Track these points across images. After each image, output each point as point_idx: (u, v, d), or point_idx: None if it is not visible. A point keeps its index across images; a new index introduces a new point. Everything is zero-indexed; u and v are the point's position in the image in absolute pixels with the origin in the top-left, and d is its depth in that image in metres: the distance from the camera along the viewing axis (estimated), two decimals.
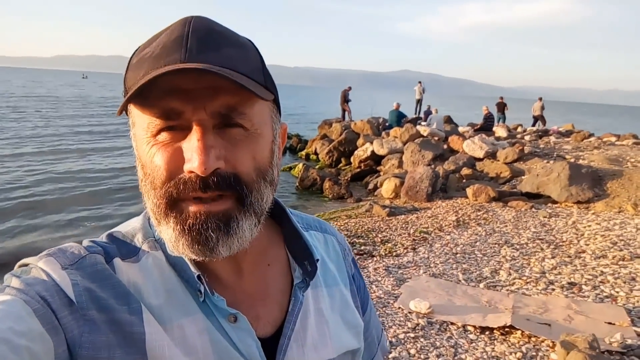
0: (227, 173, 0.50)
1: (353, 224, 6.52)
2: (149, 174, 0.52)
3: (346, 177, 11.46)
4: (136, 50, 0.54)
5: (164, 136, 0.51)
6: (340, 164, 13.37)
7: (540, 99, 17.23)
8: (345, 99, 16.85)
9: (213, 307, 0.57)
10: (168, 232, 0.52)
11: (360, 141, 13.10)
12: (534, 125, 16.90)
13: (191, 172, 0.49)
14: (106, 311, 0.51)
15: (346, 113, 16.90)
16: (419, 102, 19.16)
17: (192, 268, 0.56)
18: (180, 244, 0.51)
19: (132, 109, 0.53)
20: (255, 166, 0.53)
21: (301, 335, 0.62)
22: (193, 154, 0.48)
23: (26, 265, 0.53)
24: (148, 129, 0.51)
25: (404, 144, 11.60)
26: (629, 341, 3.10)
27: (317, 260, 0.66)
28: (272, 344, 0.60)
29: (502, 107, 17.06)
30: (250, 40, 0.57)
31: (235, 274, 0.61)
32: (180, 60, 0.48)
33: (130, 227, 0.62)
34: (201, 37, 0.50)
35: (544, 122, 16.79)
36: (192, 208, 0.51)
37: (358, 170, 12.06)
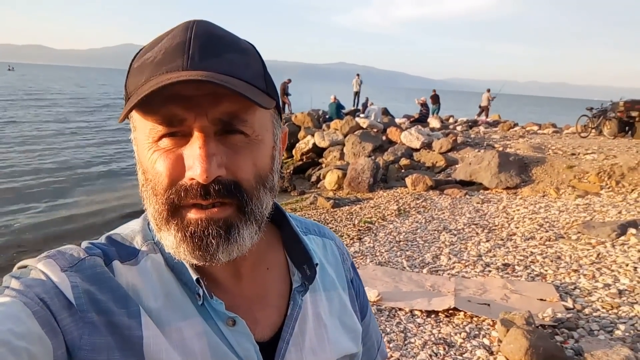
0: (227, 180, 0.51)
1: None
2: (151, 180, 0.52)
3: (288, 170, 11.46)
4: (137, 53, 0.54)
5: (165, 142, 0.51)
6: (282, 157, 13.36)
7: (488, 90, 18.12)
8: (285, 92, 16.79)
9: (212, 310, 0.56)
10: (169, 238, 0.52)
11: (301, 134, 13.14)
12: (479, 115, 17.79)
13: (192, 179, 0.49)
14: (105, 314, 0.50)
15: (286, 106, 16.85)
16: (357, 94, 19.51)
17: (191, 271, 0.56)
18: (181, 250, 0.52)
19: (133, 113, 0.53)
20: (255, 173, 0.53)
21: (300, 339, 0.63)
22: (195, 161, 0.49)
23: (25, 267, 0.52)
24: (150, 134, 0.51)
25: (345, 136, 11.79)
26: (559, 315, 3.38)
27: (317, 264, 0.66)
28: (270, 348, 0.60)
29: (436, 99, 17.81)
30: (252, 45, 0.57)
31: (234, 277, 0.61)
32: (182, 67, 0.49)
33: (129, 230, 0.61)
34: (203, 43, 0.51)
35: (487, 114, 17.64)
36: (193, 215, 0.51)
37: (300, 162, 12.09)
